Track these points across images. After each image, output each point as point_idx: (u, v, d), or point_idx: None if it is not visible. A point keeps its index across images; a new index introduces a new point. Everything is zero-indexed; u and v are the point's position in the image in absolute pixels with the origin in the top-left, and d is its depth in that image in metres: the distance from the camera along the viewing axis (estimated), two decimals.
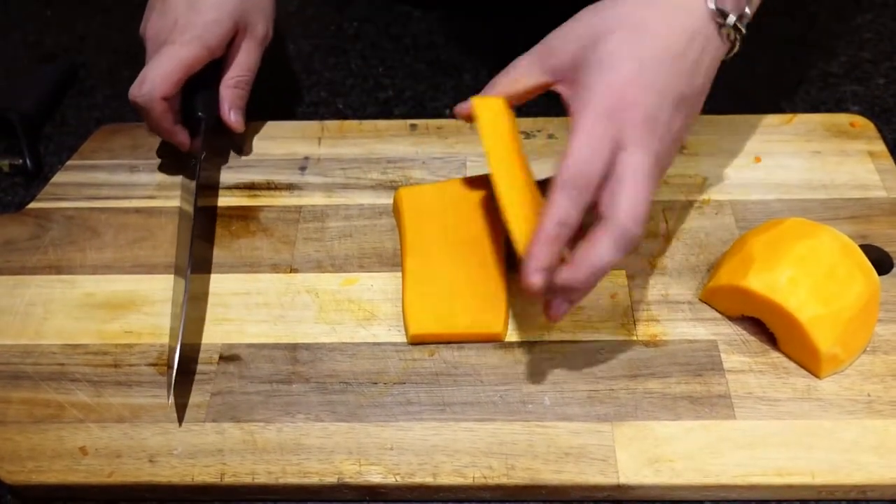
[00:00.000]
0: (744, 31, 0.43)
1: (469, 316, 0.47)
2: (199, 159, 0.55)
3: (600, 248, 0.39)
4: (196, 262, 0.51)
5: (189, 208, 0.52)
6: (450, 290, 0.48)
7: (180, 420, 0.45)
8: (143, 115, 0.53)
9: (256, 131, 0.61)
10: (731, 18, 0.42)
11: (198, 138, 0.55)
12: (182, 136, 0.56)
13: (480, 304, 0.48)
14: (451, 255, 0.50)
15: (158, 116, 0.53)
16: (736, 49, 0.44)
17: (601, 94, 0.40)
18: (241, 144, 0.60)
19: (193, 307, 0.50)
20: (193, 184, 0.53)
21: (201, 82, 0.56)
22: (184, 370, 0.47)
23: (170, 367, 0.45)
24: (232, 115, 0.57)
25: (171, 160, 0.59)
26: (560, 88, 0.44)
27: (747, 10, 0.43)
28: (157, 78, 0.52)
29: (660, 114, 0.41)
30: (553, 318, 0.42)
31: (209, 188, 0.57)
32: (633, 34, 0.42)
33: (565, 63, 0.43)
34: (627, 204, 0.39)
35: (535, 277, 0.39)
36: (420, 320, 0.47)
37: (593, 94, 0.40)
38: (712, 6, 0.42)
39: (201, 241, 0.54)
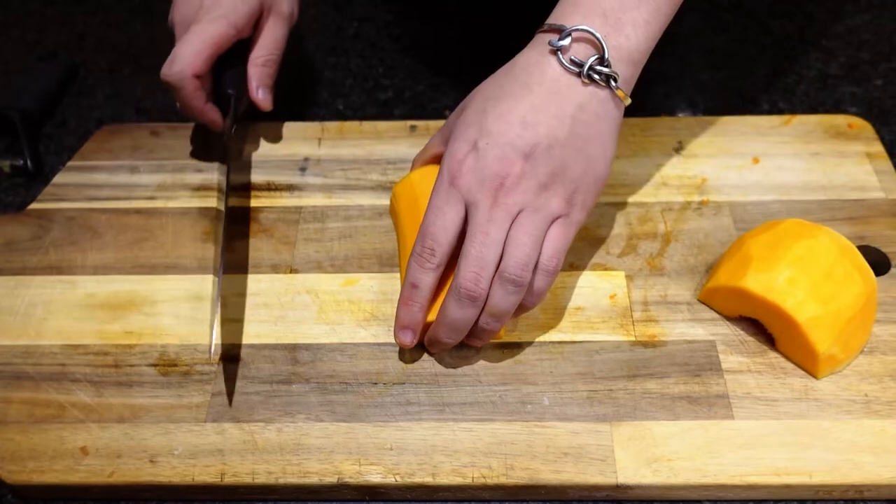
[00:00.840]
0: (610, 73, 0.43)
1: None
2: (229, 135, 0.55)
3: (445, 307, 0.44)
4: (231, 262, 0.52)
5: (221, 205, 0.52)
6: (447, 289, 0.48)
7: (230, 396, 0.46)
8: (175, 95, 0.54)
9: (256, 132, 0.62)
10: (586, 67, 0.43)
11: (228, 116, 0.56)
12: (213, 115, 0.56)
13: None
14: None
15: (190, 94, 0.53)
16: (617, 87, 0.43)
17: (446, 164, 0.44)
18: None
19: (231, 305, 0.50)
20: (224, 168, 0.54)
21: (230, 63, 0.56)
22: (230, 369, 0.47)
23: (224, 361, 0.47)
24: (260, 94, 0.57)
25: (172, 161, 0.59)
26: None
27: (607, 55, 0.43)
28: (188, 56, 0.52)
29: (508, 169, 0.42)
30: (473, 344, 0.47)
31: (241, 188, 0.58)
32: (484, 100, 0.44)
33: (447, 134, 0.47)
34: (464, 264, 0.42)
35: (400, 336, 0.45)
36: None
37: (443, 164, 0.44)
38: (565, 62, 0.43)
39: (235, 239, 0.54)
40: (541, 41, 0.44)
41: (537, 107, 0.43)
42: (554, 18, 0.44)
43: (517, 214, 0.42)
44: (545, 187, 0.43)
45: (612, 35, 0.43)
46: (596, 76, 0.43)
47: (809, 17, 0.72)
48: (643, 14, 0.43)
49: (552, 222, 0.43)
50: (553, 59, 0.43)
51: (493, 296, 0.42)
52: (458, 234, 0.44)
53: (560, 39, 0.43)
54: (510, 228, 0.42)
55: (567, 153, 0.43)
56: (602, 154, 0.44)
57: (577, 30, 0.43)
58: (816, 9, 0.73)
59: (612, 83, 0.43)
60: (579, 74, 0.43)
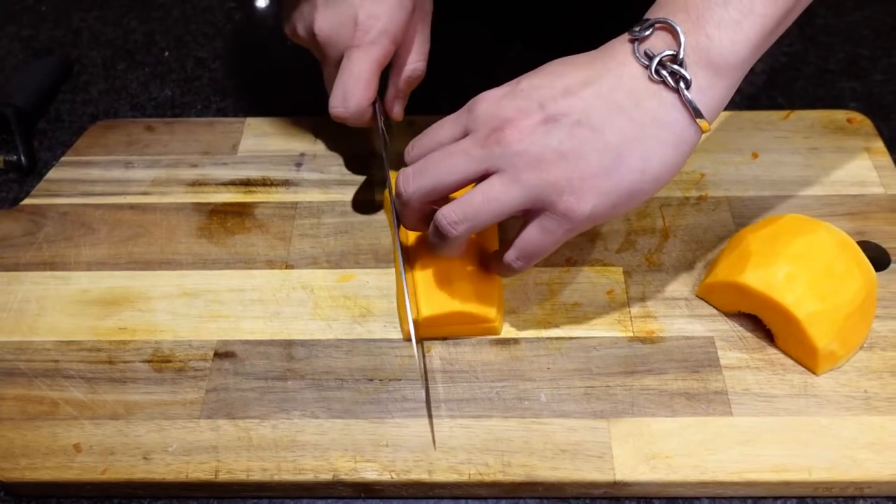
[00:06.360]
0: (679, 73, 0.38)
1: (463, 303, 0.46)
2: (385, 127, 0.53)
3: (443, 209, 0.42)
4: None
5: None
6: (444, 282, 0.48)
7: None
8: (349, 124, 0.50)
9: (252, 127, 0.61)
10: (655, 61, 0.38)
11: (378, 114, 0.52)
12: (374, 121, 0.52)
13: (474, 293, 0.47)
14: None
15: (367, 121, 0.50)
16: (688, 97, 0.38)
17: (481, 94, 0.42)
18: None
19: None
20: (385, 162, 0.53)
21: None
22: None
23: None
24: (396, 107, 0.53)
25: (167, 157, 0.59)
26: None
27: (682, 53, 0.38)
28: (361, 90, 0.48)
29: (519, 119, 0.39)
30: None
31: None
32: (552, 62, 0.42)
33: None
34: (417, 161, 0.43)
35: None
36: (415, 316, 0.47)
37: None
38: (638, 52, 0.39)
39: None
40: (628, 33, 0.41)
41: (587, 81, 0.39)
42: (650, 13, 0.40)
43: (495, 172, 0.39)
44: (545, 162, 0.38)
45: (692, 32, 0.38)
46: (665, 73, 0.38)
47: (809, 12, 0.72)
48: (732, 13, 0.37)
49: (533, 213, 0.40)
50: (628, 47, 0.39)
51: (431, 224, 0.42)
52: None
53: (642, 30, 0.39)
54: (479, 181, 0.40)
55: (594, 142, 0.38)
56: (640, 164, 0.38)
57: (660, 21, 0.38)
58: (816, 4, 0.72)
59: (683, 88, 0.38)
60: (648, 68, 0.38)
